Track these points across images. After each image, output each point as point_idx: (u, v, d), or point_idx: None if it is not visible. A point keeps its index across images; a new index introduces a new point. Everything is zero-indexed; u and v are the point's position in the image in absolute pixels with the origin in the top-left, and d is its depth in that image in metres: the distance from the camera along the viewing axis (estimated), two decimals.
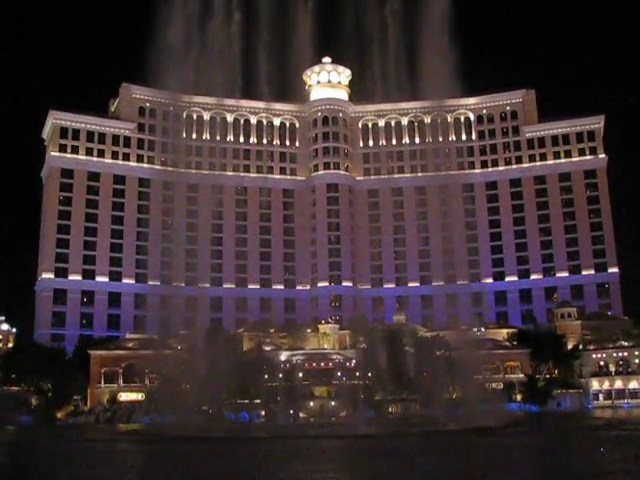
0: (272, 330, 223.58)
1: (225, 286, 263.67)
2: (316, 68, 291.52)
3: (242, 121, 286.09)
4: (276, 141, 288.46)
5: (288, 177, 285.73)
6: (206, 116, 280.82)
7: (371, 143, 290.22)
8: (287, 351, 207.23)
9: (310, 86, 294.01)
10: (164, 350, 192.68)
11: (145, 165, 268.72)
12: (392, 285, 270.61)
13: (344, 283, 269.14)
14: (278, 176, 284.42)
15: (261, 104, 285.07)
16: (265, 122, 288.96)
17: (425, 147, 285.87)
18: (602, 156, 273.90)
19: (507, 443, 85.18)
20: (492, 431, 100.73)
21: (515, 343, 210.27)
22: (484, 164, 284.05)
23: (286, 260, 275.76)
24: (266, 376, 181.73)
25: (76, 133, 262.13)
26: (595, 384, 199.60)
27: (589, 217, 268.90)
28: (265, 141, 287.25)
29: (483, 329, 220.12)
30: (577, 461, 62.69)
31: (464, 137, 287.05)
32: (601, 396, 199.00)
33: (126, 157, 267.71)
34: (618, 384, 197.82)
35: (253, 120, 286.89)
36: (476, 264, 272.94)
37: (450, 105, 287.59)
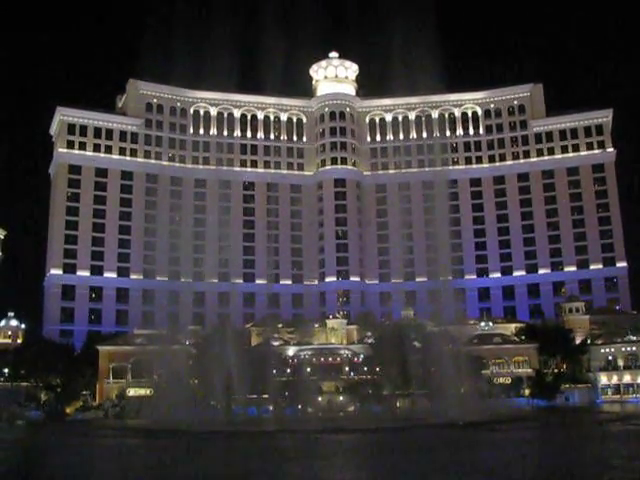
0: (280, 325, 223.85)
1: (233, 281, 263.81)
2: (323, 63, 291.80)
3: (249, 116, 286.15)
4: (283, 136, 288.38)
5: (295, 172, 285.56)
6: (213, 112, 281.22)
7: (378, 138, 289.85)
8: (295, 346, 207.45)
9: (317, 81, 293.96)
10: (172, 345, 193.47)
11: (152, 161, 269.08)
12: (400, 280, 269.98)
13: (352, 278, 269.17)
14: (285, 171, 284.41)
15: (268, 99, 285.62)
16: (272, 117, 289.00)
17: (432, 142, 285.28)
18: (610, 150, 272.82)
19: (515, 437, 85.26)
20: (500, 425, 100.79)
21: (523, 338, 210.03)
22: (492, 158, 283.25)
23: (294, 255, 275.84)
24: (274, 371, 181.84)
25: (84, 129, 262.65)
26: (603, 379, 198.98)
27: (597, 211, 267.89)
28: (272, 136, 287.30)
29: (491, 323, 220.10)
30: (582, 455, 62.65)
31: (472, 131, 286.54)
32: (609, 391, 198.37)
33: (133, 153, 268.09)
34: (626, 379, 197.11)
35: (260, 115, 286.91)
36: (484, 258, 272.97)
37: (457, 99, 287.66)
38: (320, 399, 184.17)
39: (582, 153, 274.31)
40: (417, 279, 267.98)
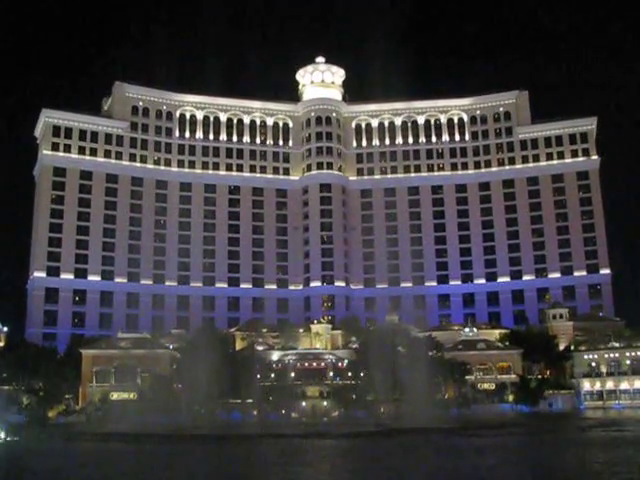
0: (265, 330, 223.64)
1: (217, 285, 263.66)
2: (310, 68, 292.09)
3: (235, 120, 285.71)
4: (269, 141, 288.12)
5: (281, 177, 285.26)
6: (199, 115, 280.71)
7: (364, 143, 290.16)
8: (279, 351, 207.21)
9: (304, 86, 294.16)
10: (156, 349, 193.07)
11: (138, 164, 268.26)
12: (385, 285, 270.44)
13: (337, 283, 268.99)
14: (271, 176, 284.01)
15: (255, 103, 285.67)
16: (258, 121, 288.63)
17: (418, 147, 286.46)
18: (595, 158, 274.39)
19: (498, 443, 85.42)
20: (486, 430, 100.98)
21: (507, 344, 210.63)
22: (477, 165, 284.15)
23: (279, 260, 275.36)
24: (258, 376, 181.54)
25: (69, 132, 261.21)
26: (586, 385, 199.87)
27: (581, 218, 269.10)
28: (258, 141, 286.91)
29: (475, 329, 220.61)
30: (564, 461, 62.85)
31: (457, 138, 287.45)
32: (592, 397, 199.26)
33: (119, 156, 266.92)
34: (609, 385, 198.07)
35: (246, 119, 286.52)
36: (468, 264, 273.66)
37: (443, 105, 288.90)
38: (304, 404, 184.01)
39: (567, 160, 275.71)
40: (402, 284, 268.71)
